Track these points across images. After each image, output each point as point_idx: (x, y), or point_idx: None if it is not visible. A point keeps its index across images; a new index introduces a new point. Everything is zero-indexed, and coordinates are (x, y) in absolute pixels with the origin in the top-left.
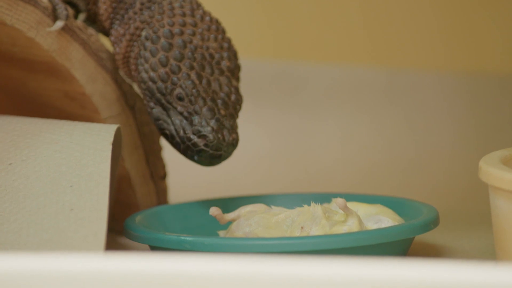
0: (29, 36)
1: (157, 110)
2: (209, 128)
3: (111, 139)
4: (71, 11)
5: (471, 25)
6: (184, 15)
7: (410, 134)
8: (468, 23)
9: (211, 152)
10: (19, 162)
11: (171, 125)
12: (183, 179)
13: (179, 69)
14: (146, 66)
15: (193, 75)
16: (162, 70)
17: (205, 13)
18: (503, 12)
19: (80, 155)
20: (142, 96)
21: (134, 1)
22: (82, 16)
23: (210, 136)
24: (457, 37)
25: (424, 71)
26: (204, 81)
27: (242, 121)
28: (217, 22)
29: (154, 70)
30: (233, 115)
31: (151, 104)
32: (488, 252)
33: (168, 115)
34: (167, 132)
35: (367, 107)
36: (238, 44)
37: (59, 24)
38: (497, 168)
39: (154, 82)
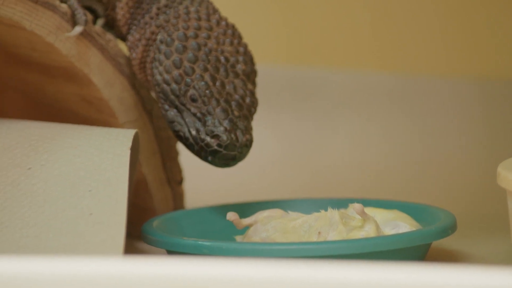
0: (48, 41)
1: (171, 112)
2: (222, 128)
3: (130, 144)
4: (89, 16)
5: (483, 30)
6: (199, 19)
7: (424, 139)
8: (480, 28)
9: (224, 152)
10: (38, 166)
11: (185, 126)
12: (199, 184)
13: (193, 70)
14: (160, 68)
15: (206, 77)
16: (175, 72)
17: (221, 18)
18: None
19: (98, 160)
20: (156, 98)
21: (151, 6)
22: (100, 22)
23: (223, 137)
24: (468, 42)
25: (436, 77)
26: (218, 83)
27: (255, 126)
28: (233, 27)
29: (168, 72)
30: (248, 117)
31: (166, 106)
32: (505, 257)
33: (182, 117)
34: (181, 134)
35: (380, 113)
36: (251, 50)
37: (78, 29)
38: None
39: (168, 84)
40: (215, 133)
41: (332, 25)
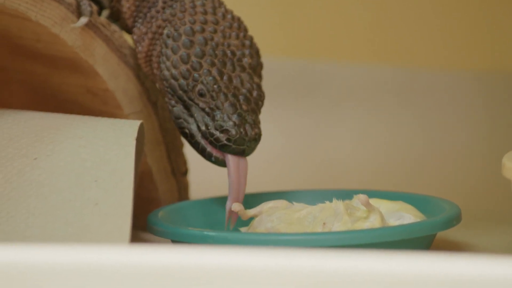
0: (53, 32)
1: (178, 109)
2: (231, 123)
3: (135, 134)
4: (95, 7)
5: (485, 24)
6: (205, 13)
7: (427, 132)
8: (482, 22)
9: (233, 146)
10: (44, 157)
11: (191, 123)
12: (204, 176)
13: (200, 65)
14: (168, 63)
15: (214, 72)
16: (183, 67)
17: (227, 11)
18: None
19: (104, 150)
20: (163, 94)
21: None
22: (105, 13)
23: (232, 131)
24: (471, 36)
25: (439, 70)
26: (225, 77)
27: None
28: (239, 20)
29: (175, 67)
30: (255, 111)
31: (172, 102)
32: (509, 249)
33: (190, 113)
34: (187, 131)
35: (383, 106)
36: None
37: (83, 20)
38: None
39: (176, 79)
40: (224, 128)
41: (335, 18)
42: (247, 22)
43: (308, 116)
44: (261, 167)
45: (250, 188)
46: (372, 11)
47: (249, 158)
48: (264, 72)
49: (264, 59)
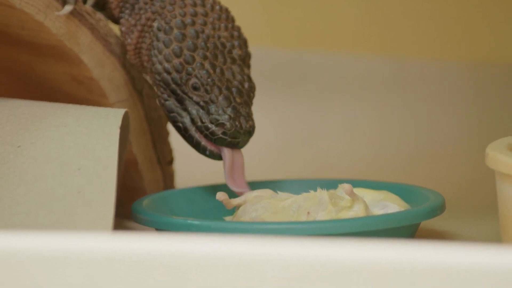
0: (37, 19)
1: (171, 102)
2: (226, 116)
3: (119, 123)
4: None
5: (475, 15)
6: (195, 5)
7: (415, 123)
8: (472, 13)
9: (229, 140)
10: (27, 144)
11: (185, 117)
12: (190, 165)
13: (193, 59)
14: (160, 57)
15: (207, 65)
16: (176, 61)
17: (215, 2)
18: (508, 2)
19: (88, 139)
20: (155, 88)
21: None
22: (90, 1)
23: (228, 124)
24: (462, 27)
25: (430, 61)
26: (217, 70)
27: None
28: (227, 11)
29: (168, 61)
30: (248, 103)
31: (165, 96)
32: (494, 238)
33: (184, 107)
34: (180, 124)
35: (374, 96)
36: (245, 33)
37: (68, 8)
38: (504, 154)
39: (169, 73)
40: (219, 121)
41: (326, 8)
42: (238, 11)
43: (299, 107)
44: (252, 158)
45: None
46: (363, 2)
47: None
48: (255, 62)
49: (255, 49)
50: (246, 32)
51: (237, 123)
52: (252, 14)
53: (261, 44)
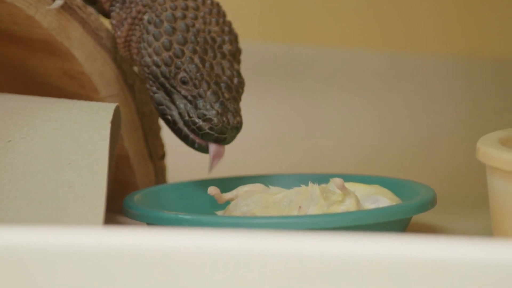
0: (28, 14)
1: (160, 95)
2: (214, 112)
3: (110, 117)
4: None
5: (469, 9)
6: None
7: (409, 117)
8: (467, 8)
9: (216, 135)
10: (18, 139)
11: (173, 110)
12: (182, 159)
13: (183, 53)
14: (150, 50)
15: (196, 59)
16: (165, 54)
17: None
18: None
19: (79, 133)
20: (145, 80)
21: None
22: None
23: (215, 120)
24: (455, 21)
25: (423, 55)
26: (207, 64)
27: (243, 104)
28: (218, 5)
29: (157, 54)
30: (236, 99)
31: (154, 88)
32: (485, 233)
33: (172, 100)
34: (169, 117)
35: (367, 91)
36: (239, 27)
37: (59, 2)
38: (494, 148)
39: (158, 66)
40: (207, 116)
41: (321, 2)
42: (231, 4)
43: (293, 101)
44: (246, 152)
45: (232, 173)
46: None
47: (234, 143)
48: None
49: (249, 43)
50: (242, 27)
51: (224, 118)
52: (248, 8)
53: (256, 39)
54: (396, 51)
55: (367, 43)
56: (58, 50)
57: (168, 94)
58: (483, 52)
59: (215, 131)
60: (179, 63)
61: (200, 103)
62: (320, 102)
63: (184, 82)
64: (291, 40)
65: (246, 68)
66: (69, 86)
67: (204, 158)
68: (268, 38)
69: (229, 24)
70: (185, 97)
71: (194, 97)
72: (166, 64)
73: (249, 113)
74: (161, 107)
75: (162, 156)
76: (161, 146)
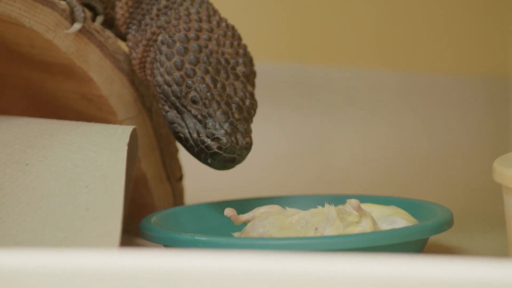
0: (47, 38)
1: (172, 114)
2: (222, 131)
3: (127, 140)
4: (88, 13)
5: (488, 28)
6: (200, 20)
7: (425, 136)
8: (485, 26)
9: (224, 155)
10: (35, 162)
11: (185, 128)
12: (199, 181)
13: (194, 72)
14: (162, 69)
15: (207, 79)
16: (177, 74)
17: (221, 19)
18: None
19: (96, 156)
20: (157, 99)
21: (151, 7)
22: (99, 19)
23: (224, 139)
24: (472, 40)
25: (439, 74)
26: (218, 85)
27: (259, 123)
28: (233, 28)
29: (169, 73)
30: (247, 120)
31: (166, 107)
32: (502, 253)
33: (183, 119)
34: (181, 135)
35: (383, 110)
36: (256, 48)
37: (77, 26)
38: (510, 168)
39: (169, 85)
40: (215, 135)
41: (337, 23)
42: (248, 26)
43: (310, 120)
44: (263, 171)
45: (249, 193)
46: (373, 15)
47: (252, 162)
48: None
49: (266, 64)
50: (255, 48)
51: (233, 138)
52: (261, 29)
53: (271, 59)
54: (413, 70)
55: (384, 62)
56: (76, 73)
57: (179, 113)
58: (500, 72)
59: (223, 151)
60: (190, 82)
61: (210, 122)
62: (337, 122)
63: (194, 102)
64: (308, 60)
65: (263, 88)
66: (87, 109)
67: (222, 179)
68: (285, 58)
69: (244, 47)
70: (195, 116)
71: (203, 116)
72: (177, 84)
73: (267, 132)
74: (173, 125)
75: (180, 178)
76: (179, 168)
